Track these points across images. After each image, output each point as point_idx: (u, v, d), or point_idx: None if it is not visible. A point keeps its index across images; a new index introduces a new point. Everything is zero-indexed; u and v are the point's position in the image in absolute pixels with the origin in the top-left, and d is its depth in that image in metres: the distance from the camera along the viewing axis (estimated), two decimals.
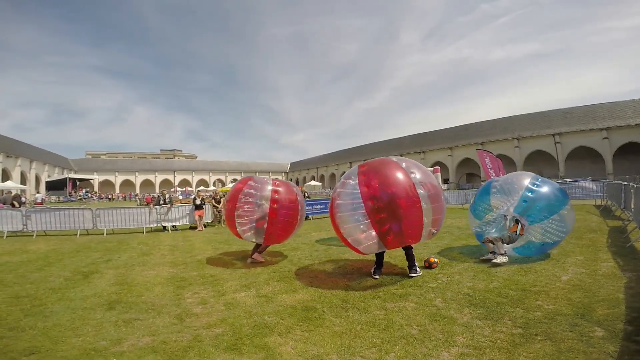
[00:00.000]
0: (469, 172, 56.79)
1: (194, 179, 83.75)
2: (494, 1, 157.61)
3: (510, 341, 2.99)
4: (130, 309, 4.35)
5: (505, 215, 6.24)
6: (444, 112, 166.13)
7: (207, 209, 14.28)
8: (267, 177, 8.42)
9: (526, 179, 6.20)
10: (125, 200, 57.01)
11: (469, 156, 53.87)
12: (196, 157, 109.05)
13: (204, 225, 13.80)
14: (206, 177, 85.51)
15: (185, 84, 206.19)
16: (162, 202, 13.61)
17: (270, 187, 6.50)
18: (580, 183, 18.95)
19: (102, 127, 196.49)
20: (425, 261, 5.77)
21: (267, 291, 4.90)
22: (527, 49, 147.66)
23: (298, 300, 4.41)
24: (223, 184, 76.27)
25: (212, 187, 65.83)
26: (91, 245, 10.00)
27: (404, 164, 5.11)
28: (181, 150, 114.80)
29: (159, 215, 13.35)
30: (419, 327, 3.37)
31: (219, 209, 14.54)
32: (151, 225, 13.27)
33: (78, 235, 12.12)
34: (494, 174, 21.31)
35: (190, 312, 4.16)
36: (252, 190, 6.50)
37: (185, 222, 13.80)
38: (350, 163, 76.01)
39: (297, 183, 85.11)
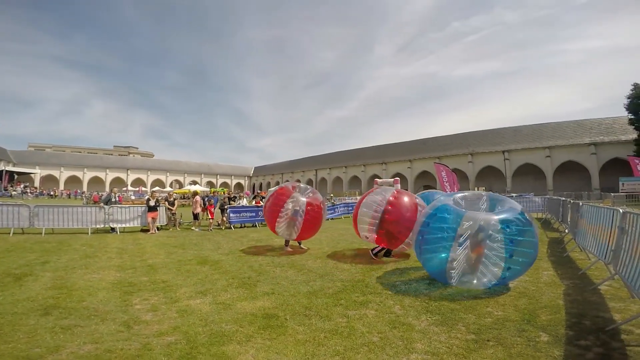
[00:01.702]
0: (427, 184, 59.30)
1: (149, 178, 79.20)
2: (465, 19, 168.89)
3: (465, 347, 3.10)
4: (70, 314, 3.96)
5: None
6: (406, 125, 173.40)
7: (162, 212, 13.50)
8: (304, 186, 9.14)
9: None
10: (70, 198, 52.40)
11: (427, 169, 56.52)
12: (153, 155, 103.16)
13: (157, 229, 13.02)
14: (163, 178, 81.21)
15: (152, 80, 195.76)
16: (113, 200, 12.69)
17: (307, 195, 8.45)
18: (526, 197, 20.58)
19: (53, 120, 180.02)
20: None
21: (225, 298, 4.69)
22: (489, 67, 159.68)
23: (259, 307, 4.26)
24: (181, 186, 72.87)
25: (168, 188, 62.68)
26: (26, 245, 9.03)
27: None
28: (137, 148, 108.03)
29: (107, 216, 12.40)
30: (379, 334, 3.39)
31: (173, 212, 13.81)
32: (97, 226, 12.28)
33: (11, 234, 10.89)
34: (448, 187, 22.53)
35: (138, 319, 3.86)
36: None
37: (136, 224, 12.94)
38: (316, 170, 76.46)
39: (260, 188, 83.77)
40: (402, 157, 60.90)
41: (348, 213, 19.45)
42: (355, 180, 68.03)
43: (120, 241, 10.48)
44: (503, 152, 49.82)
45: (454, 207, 5.24)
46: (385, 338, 3.31)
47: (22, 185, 53.52)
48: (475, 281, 4.84)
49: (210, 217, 13.82)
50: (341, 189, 66.04)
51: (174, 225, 14.07)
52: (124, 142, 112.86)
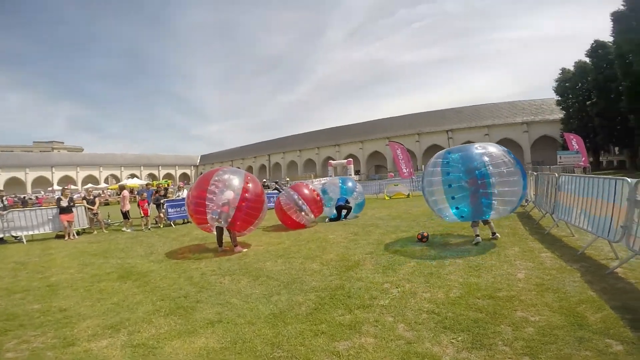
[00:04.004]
0: (378, 164, 60.52)
1: (80, 175, 70.12)
2: (412, 7, 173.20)
3: None
4: None
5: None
6: (357, 108, 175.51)
7: (80, 213, 11.02)
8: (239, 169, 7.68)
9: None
10: None
11: (378, 149, 57.43)
12: (82, 149, 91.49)
13: (77, 233, 10.59)
14: (95, 173, 72.47)
15: (77, 69, 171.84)
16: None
17: (240, 179, 6.88)
18: None
19: None
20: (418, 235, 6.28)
21: (147, 335, 3.16)
22: (430, 53, 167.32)
23: (199, 350, 2.80)
24: (117, 180, 65.77)
25: (103, 185, 55.93)
26: None
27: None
28: (63, 142, 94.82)
29: (5, 223, 9.74)
30: None
31: (94, 212, 11.38)
32: None
33: None
34: (404, 165, 22.32)
35: None
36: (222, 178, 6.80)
37: (48, 229, 10.39)
38: (269, 155, 73.94)
39: None
40: (354, 139, 61.06)
41: None
42: (310, 163, 67.05)
43: (23, 253, 8.19)
44: (447, 131, 52.10)
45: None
46: None
47: None
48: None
49: (143, 214, 11.60)
50: (296, 172, 64.66)
51: (100, 227, 11.66)
52: (45, 137, 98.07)
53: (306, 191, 9.36)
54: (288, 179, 40.54)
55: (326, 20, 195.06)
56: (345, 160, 51.63)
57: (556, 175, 7.16)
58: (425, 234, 6.37)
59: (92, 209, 11.31)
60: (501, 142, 46.31)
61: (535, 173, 10.16)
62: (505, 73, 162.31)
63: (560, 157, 22.77)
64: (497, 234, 6.35)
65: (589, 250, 5.19)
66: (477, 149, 6.14)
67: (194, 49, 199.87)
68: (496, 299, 3.51)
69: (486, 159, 5.84)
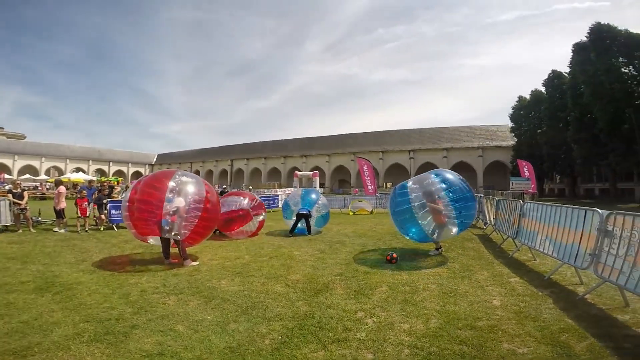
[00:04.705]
0: (342, 179, 61.06)
1: (17, 164, 62.88)
2: (390, 27, 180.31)
3: None
4: None
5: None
6: (326, 121, 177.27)
7: (3, 207, 9.47)
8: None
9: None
10: None
11: (343, 164, 58.01)
12: (24, 137, 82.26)
13: None
14: (36, 164, 65.41)
15: (33, 52, 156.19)
16: None
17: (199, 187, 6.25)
18: None
19: None
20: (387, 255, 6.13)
21: None
22: (399, 74, 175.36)
23: None
24: (61, 173, 59.86)
25: (42, 177, 50.34)
26: None
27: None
28: (2, 128, 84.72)
29: None
30: None
31: (22, 207, 9.84)
32: None
33: None
34: (369, 181, 22.47)
35: None
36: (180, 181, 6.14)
37: None
38: (232, 161, 71.65)
39: None
40: (322, 151, 61.22)
41: (269, 207, 17.44)
42: (274, 172, 65.91)
43: None
44: (409, 151, 54.04)
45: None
46: None
47: None
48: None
49: (80, 214, 10.20)
50: (259, 180, 63.15)
51: (27, 225, 10.09)
52: None
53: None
54: (251, 187, 39.34)
55: (307, 31, 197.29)
56: (311, 172, 51.43)
57: (521, 202, 7.33)
58: (395, 256, 6.15)
59: (20, 204, 9.74)
60: (457, 165, 48.94)
61: (496, 198, 10.47)
62: (465, 98, 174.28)
63: (512, 183, 24.21)
64: (441, 248, 7.07)
65: (554, 276, 5.23)
66: (436, 176, 6.87)
67: (166, 44, 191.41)
68: (478, 330, 3.22)
69: (443, 185, 6.57)
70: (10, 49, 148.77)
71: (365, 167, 23.82)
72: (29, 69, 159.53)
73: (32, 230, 9.96)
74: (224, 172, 73.45)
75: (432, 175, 6.85)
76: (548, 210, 5.80)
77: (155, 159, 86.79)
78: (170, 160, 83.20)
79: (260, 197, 18.20)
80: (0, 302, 3.83)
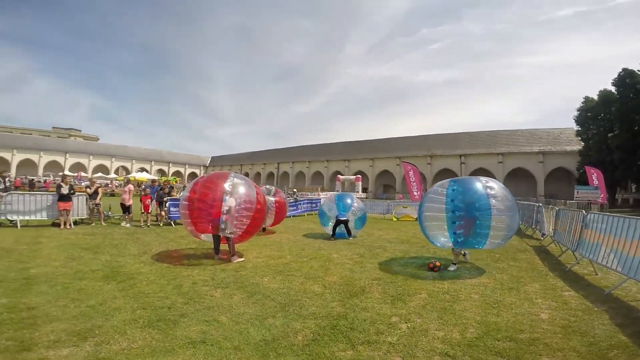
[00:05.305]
0: (386, 184, 59.79)
1: (91, 163, 71.00)
2: (434, 27, 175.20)
3: None
4: None
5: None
6: (369, 124, 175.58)
7: (80, 202, 10.80)
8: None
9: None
10: None
11: (388, 168, 56.79)
12: (98, 139, 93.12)
13: (74, 223, 10.33)
14: (107, 163, 73.31)
15: (102, 60, 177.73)
16: (2, 187, 9.87)
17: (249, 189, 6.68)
18: None
19: None
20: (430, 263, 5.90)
21: (118, 348, 2.78)
22: (447, 74, 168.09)
23: None
24: (127, 173, 66.35)
25: (112, 175, 56.41)
26: None
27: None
28: (80, 130, 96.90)
29: (3, 205, 9.55)
30: None
31: (96, 203, 11.14)
32: None
33: None
34: (415, 187, 21.82)
35: None
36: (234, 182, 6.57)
37: (44, 216, 10.16)
38: (278, 164, 73.90)
39: None
40: (365, 155, 60.59)
41: (312, 210, 17.77)
42: (318, 175, 66.71)
43: (13, 239, 7.90)
44: (460, 156, 51.25)
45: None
46: None
47: None
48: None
49: (144, 210, 11.32)
50: (304, 184, 64.31)
51: (99, 219, 11.40)
52: (65, 124, 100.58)
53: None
54: (295, 189, 40.22)
55: (348, 34, 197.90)
56: (354, 177, 51.08)
57: (584, 212, 6.71)
58: (438, 264, 5.93)
59: (94, 200, 11.08)
60: (515, 172, 45.48)
61: (556, 208, 9.64)
62: (523, 99, 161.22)
63: (577, 191, 21.97)
64: (467, 254, 6.82)
65: (617, 291, 4.75)
66: (481, 182, 6.27)
67: (215, 51, 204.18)
68: (518, 342, 3.06)
69: (490, 191, 5.97)
70: (78, 54, 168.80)
71: (411, 172, 23.20)
72: (96, 73, 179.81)
73: (103, 223, 11.23)
74: (270, 175, 75.96)
75: (478, 181, 6.38)
76: (614, 221, 5.28)
77: (209, 161, 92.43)
78: (223, 162, 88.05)
79: (303, 200, 18.69)
80: (74, 288, 4.41)
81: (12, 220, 9.78)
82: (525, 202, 15.52)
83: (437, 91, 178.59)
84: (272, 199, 10.25)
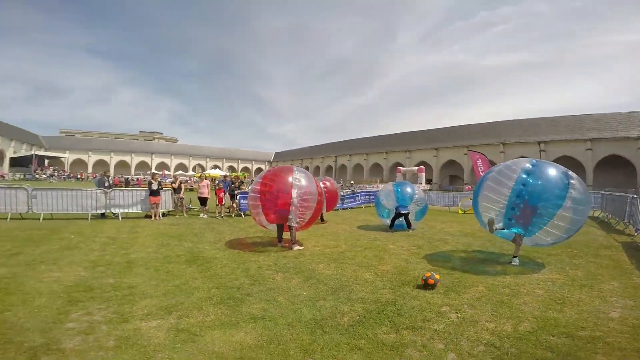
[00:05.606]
0: (453, 174, 56.41)
1: (173, 162, 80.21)
2: (494, 9, 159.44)
3: None
4: None
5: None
6: (430, 114, 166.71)
7: (166, 196, 12.45)
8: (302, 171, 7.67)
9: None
10: (79, 180, 52.57)
11: (454, 158, 53.46)
12: (177, 140, 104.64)
13: (162, 215, 11.98)
14: (185, 162, 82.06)
15: (175, 69, 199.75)
16: (106, 184, 11.80)
17: (309, 181, 7.18)
18: None
19: (83, 107, 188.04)
20: (421, 279, 4.52)
21: (194, 322, 3.33)
22: (518, 57, 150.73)
23: (235, 344, 2.86)
24: (203, 170, 73.24)
25: (190, 172, 62.93)
26: (14, 233, 8.08)
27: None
28: (162, 133, 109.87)
29: (108, 200, 11.46)
30: None
31: (180, 197, 12.75)
32: (99, 211, 11.36)
33: (8, 220, 10.08)
34: None
35: (52, 347, 2.62)
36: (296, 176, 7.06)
37: (138, 209, 11.93)
38: (336, 157, 74.64)
39: None
40: (428, 145, 57.81)
41: (369, 202, 17.82)
42: (376, 167, 65.72)
43: (116, 229, 9.45)
44: (539, 143, 46.00)
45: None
46: None
47: (50, 169, 55.08)
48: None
49: (218, 202, 12.68)
50: (362, 176, 64.00)
51: (182, 211, 13.02)
52: (149, 128, 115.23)
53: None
54: (352, 182, 40.26)
55: (397, 24, 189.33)
56: (416, 168, 49.14)
57: None
58: (437, 277, 4.47)
59: (179, 194, 12.76)
60: (609, 160, 39.43)
61: None
62: (612, 79, 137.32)
63: None
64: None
65: None
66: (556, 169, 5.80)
67: (270, 52, 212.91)
68: (575, 339, 2.93)
69: (572, 181, 5.47)
70: (158, 66, 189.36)
71: (479, 162, 21.77)
72: (171, 81, 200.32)
73: (185, 215, 12.81)
74: (329, 168, 77.05)
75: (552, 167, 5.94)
76: None
77: (273, 157, 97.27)
78: (285, 157, 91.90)
79: (361, 192, 18.79)
80: (164, 270, 5.25)
81: (115, 213, 11.71)
82: (616, 194, 13.55)
83: (507, 75, 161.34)
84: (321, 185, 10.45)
